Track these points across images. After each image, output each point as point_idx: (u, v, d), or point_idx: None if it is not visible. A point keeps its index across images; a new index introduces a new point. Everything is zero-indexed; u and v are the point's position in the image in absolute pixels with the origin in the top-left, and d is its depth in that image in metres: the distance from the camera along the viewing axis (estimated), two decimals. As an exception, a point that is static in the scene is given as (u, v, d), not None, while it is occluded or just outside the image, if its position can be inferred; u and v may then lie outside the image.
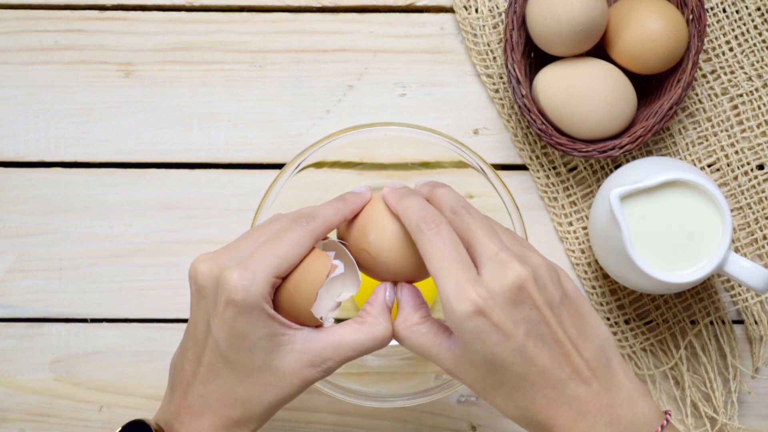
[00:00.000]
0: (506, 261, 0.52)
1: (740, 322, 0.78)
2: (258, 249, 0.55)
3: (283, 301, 0.56)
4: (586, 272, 0.78)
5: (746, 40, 0.77)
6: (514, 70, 0.73)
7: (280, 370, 0.55)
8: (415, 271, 0.59)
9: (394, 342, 0.71)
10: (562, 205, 0.77)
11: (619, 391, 0.54)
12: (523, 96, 0.73)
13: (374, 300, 0.58)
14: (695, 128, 0.77)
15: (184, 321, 0.78)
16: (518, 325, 0.52)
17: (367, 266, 0.60)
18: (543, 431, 0.54)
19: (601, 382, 0.53)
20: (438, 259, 0.53)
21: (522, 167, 0.78)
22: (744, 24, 0.77)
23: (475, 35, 0.77)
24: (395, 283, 0.59)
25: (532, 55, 0.76)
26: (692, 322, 0.77)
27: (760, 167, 0.77)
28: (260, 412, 0.56)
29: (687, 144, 0.77)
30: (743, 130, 0.77)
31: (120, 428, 0.56)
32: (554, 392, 0.53)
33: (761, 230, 0.77)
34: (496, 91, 0.78)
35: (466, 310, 0.51)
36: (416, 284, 0.60)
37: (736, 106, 0.77)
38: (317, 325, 0.57)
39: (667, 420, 0.54)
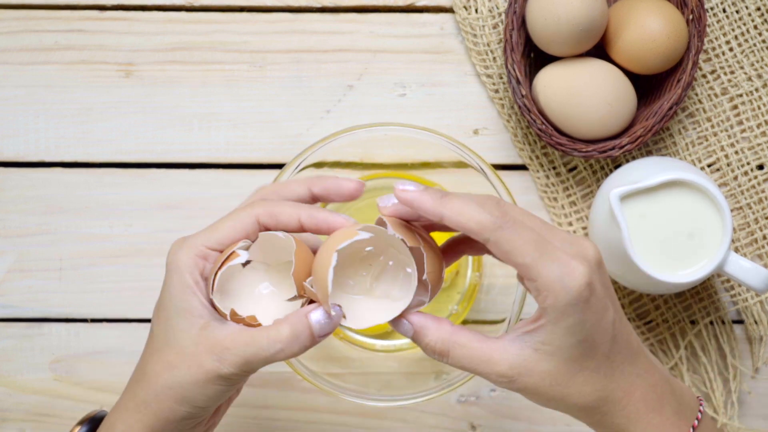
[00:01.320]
0: (573, 237, 0.53)
1: (740, 322, 0.78)
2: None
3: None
4: (586, 272, 0.77)
5: (746, 40, 0.77)
6: (514, 70, 0.73)
7: (181, 348, 0.52)
8: None
9: (392, 344, 0.71)
10: (562, 205, 0.77)
11: (660, 364, 0.56)
12: (523, 96, 0.73)
13: (299, 321, 0.52)
14: (695, 128, 0.77)
15: (184, 321, 0.78)
16: (607, 297, 0.52)
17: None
18: (615, 407, 0.53)
19: (653, 357, 0.56)
20: (528, 248, 0.50)
21: (522, 167, 0.78)
22: (744, 24, 0.77)
23: (475, 35, 0.77)
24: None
25: (532, 55, 0.76)
26: (692, 322, 0.77)
27: (760, 167, 0.77)
28: (157, 393, 0.53)
29: (687, 144, 0.77)
30: (743, 130, 0.77)
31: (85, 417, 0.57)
32: (631, 367, 0.53)
33: (761, 230, 0.77)
34: (496, 91, 0.78)
35: (579, 284, 0.50)
36: None
37: (736, 106, 0.77)
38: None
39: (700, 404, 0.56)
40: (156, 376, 0.53)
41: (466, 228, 0.50)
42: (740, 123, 0.77)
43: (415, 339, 0.54)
